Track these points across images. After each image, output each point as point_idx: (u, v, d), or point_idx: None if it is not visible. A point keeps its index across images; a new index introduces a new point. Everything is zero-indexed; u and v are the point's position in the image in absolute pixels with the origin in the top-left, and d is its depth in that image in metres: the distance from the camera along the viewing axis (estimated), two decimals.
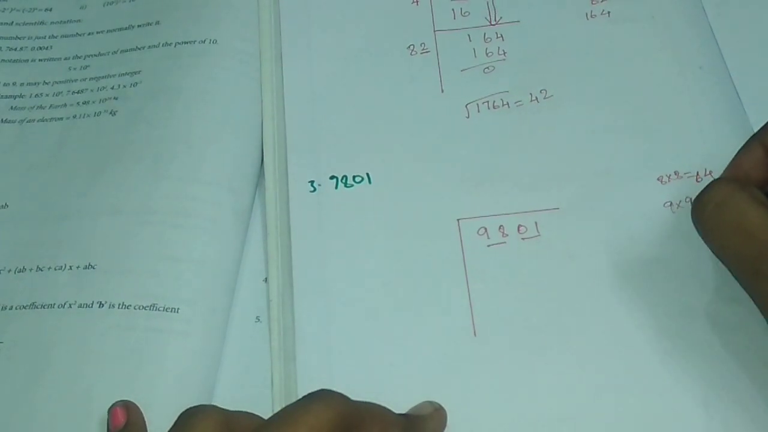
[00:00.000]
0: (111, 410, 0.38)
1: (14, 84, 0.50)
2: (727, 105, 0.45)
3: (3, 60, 0.51)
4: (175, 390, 0.40)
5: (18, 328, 0.41)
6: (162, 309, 0.41)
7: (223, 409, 0.33)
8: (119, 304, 0.41)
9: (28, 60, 0.51)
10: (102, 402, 0.39)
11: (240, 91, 0.48)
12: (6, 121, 0.49)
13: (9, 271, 0.43)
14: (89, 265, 0.43)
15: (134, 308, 0.41)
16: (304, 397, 0.33)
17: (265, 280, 0.44)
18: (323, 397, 0.32)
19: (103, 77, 0.50)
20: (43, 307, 0.42)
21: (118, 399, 0.38)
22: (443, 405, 0.38)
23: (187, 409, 0.33)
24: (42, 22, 0.53)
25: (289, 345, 0.41)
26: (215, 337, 0.42)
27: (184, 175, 0.45)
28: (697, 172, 0.43)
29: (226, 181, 0.45)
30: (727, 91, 0.46)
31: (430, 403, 0.38)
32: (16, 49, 0.52)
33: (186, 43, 0.50)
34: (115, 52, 0.51)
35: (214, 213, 0.44)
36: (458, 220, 0.43)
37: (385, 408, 0.35)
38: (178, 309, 0.41)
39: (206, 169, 0.45)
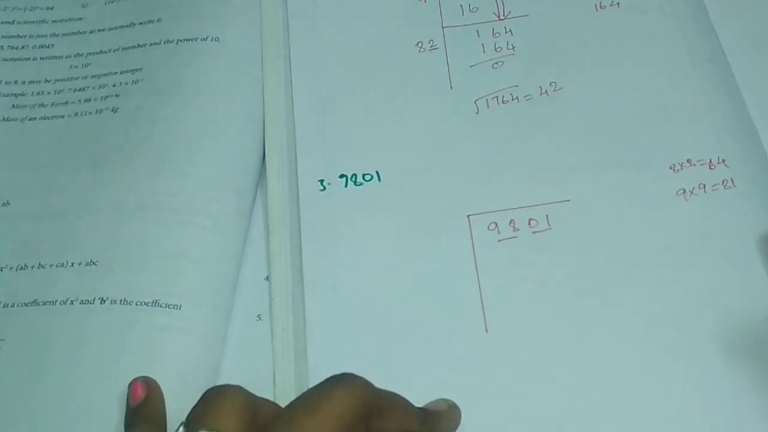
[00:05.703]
0: (131, 385, 0.38)
1: (16, 82, 0.50)
2: (734, 93, 0.45)
3: (5, 59, 0.51)
4: (176, 386, 0.39)
5: (20, 325, 0.41)
6: (164, 306, 0.41)
7: (247, 391, 0.33)
8: (121, 301, 0.41)
9: (29, 58, 0.51)
10: (104, 398, 0.38)
11: (242, 89, 0.48)
12: (8, 120, 0.48)
13: (11, 268, 0.43)
14: (91, 261, 0.42)
15: (136, 304, 0.41)
16: (328, 380, 0.32)
17: (267, 278, 0.43)
18: (347, 382, 0.32)
19: (104, 75, 0.50)
20: (45, 304, 0.41)
21: (120, 395, 0.38)
22: (456, 401, 0.38)
23: (213, 387, 0.33)
24: (43, 21, 0.53)
25: (299, 343, 0.41)
26: (216, 334, 0.42)
27: (186, 172, 0.45)
28: (710, 160, 0.43)
29: (228, 179, 0.45)
30: (731, 81, 0.45)
31: (445, 400, 0.38)
32: (17, 48, 0.52)
33: (188, 40, 0.49)
34: (117, 50, 0.50)
35: (216, 211, 0.44)
36: (468, 215, 0.43)
37: (405, 398, 0.34)
38: (180, 306, 0.41)
39: (208, 166, 0.45)
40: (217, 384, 0.40)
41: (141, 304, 0.41)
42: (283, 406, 0.33)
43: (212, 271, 0.42)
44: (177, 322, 0.41)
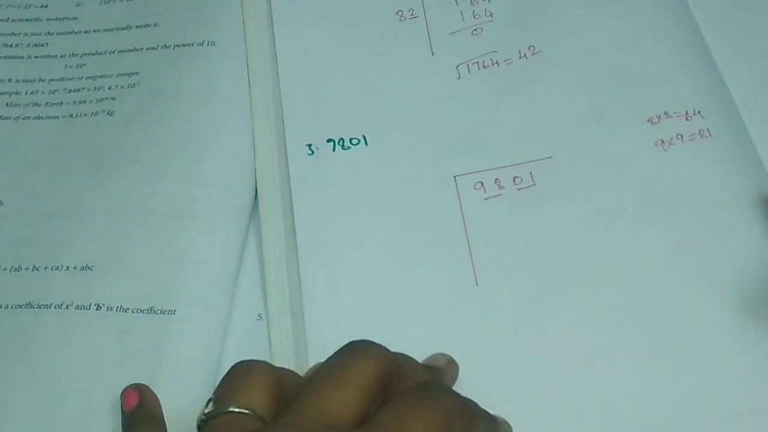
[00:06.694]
0: (124, 393, 0.38)
1: (10, 80, 0.50)
2: (703, 49, 0.46)
3: None
4: (175, 392, 0.38)
5: (13, 327, 0.41)
6: (160, 311, 0.41)
7: (272, 365, 0.33)
8: (117, 307, 0.41)
9: (23, 57, 0.51)
10: (99, 406, 0.38)
11: (238, 93, 0.48)
12: (1, 118, 0.48)
13: (4, 269, 0.42)
14: (86, 266, 0.42)
15: (132, 311, 0.41)
16: (348, 349, 0.32)
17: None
18: (368, 352, 0.32)
19: (100, 77, 0.50)
20: (39, 307, 0.41)
21: (114, 404, 0.38)
22: (450, 354, 0.38)
23: (240, 362, 0.33)
24: (38, 19, 0.53)
25: (295, 303, 0.41)
26: (215, 337, 0.41)
27: (183, 175, 0.45)
28: (686, 111, 0.44)
29: (225, 181, 0.45)
30: (699, 38, 0.46)
31: (443, 355, 0.38)
32: (11, 46, 0.52)
33: (184, 45, 0.50)
34: (113, 52, 0.51)
35: (213, 213, 0.44)
36: (455, 176, 0.44)
37: (414, 359, 0.34)
38: (175, 311, 0.41)
39: (205, 169, 0.45)
40: (218, 380, 0.40)
41: (137, 311, 0.41)
42: (279, 365, 0.33)
43: (210, 274, 0.42)
44: (173, 327, 0.40)
